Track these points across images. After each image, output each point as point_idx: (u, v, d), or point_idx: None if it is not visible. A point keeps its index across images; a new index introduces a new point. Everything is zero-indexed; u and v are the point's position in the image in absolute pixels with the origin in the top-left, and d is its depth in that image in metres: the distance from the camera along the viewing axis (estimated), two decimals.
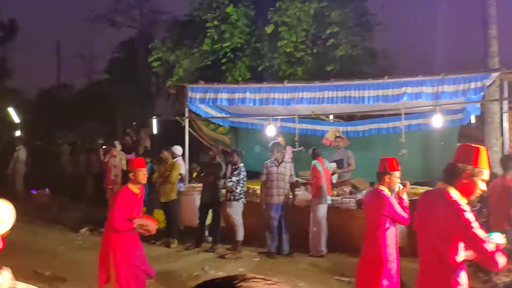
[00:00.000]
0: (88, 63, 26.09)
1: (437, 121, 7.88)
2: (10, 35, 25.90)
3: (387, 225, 3.84)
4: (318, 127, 10.21)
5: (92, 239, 8.52)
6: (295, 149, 8.80)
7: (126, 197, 4.59)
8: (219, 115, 10.18)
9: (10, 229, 5.13)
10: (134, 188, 4.70)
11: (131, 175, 4.71)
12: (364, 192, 7.69)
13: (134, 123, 20.15)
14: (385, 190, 3.91)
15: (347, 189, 8.10)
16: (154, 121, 15.10)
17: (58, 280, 5.74)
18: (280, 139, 8.48)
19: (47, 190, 11.88)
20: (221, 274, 6.21)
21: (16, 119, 16.72)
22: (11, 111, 16.80)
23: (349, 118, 10.63)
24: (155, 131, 14.71)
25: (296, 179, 7.76)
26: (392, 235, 3.87)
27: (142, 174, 4.69)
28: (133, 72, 21.00)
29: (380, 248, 3.80)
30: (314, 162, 7.36)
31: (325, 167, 7.42)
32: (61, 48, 28.50)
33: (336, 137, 9.01)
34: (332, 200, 7.41)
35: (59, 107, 22.99)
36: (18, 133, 15.95)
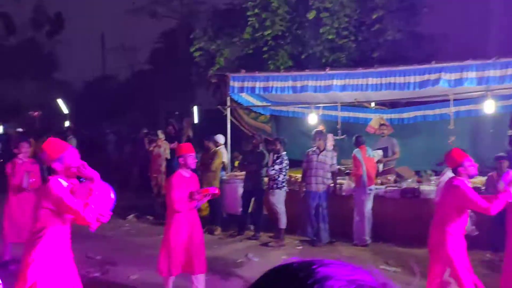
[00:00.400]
0: (130, 54, 26.70)
1: (489, 107, 7.53)
2: (57, 29, 26.92)
3: (458, 216, 3.84)
4: (361, 115, 10.02)
5: (139, 225, 8.82)
6: (337, 137, 8.68)
7: (178, 181, 4.65)
8: (260, 103, 10.18)
9: None
10: (185, 173, 4.77)
11: (180, 160, 4.78)
12: (409, 180, 7.52)
13: (176, 113, 20.54)
14: (463, 180, 3.89)
15: (392, 177, 7.92)
16: (196, 111, 15.37)
17: (108, 264, 5.97)
18: (320, 127, 8.39)
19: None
20: (264, 261, 6.27)
21: (65, 110, 17.46)
22: (60, 102, 17.55)
23: (392, 105, 10.36)
24: (196, 120, 14.97)
25: (338, 167, 7.67)
26: (461, 225, 3.88)
27: (191, 159, 4.76)
28: (174, 62, 21.33)
29: (447, 239, 3.81)
30: (355, 150, 7.25)
31: (368, 155, 7.27)
32: (105, 40, 29.30)
33: (381, 124, 8.81)
34: (376, 189, 7.28)
35: (104, 98, 23.78)
36: (67, 123, 16.67)
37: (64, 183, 3.29)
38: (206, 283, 4.87)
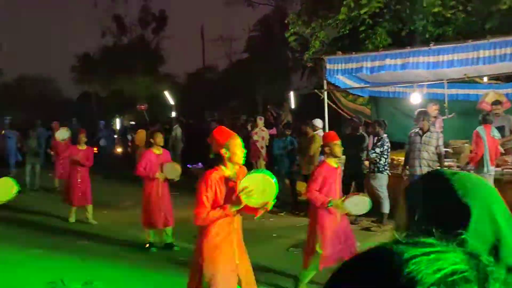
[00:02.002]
0: (229, 44, 27.57)
1: None
2: (161, 25, 28.80)
3: None
4: (472, 91, 9.20)
5: None
6: (445, 117, 8.09)
7: (323, 171, 4.44)
8: (358, 85, 9.88)
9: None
10: (332, 163, 4.52)
11: (326, 149, 4.58)
12: None
13: (273, 99, 20.82)
14: None
15: (510, 159, 7.19)
16: (292, 96, 15.40)
17: None
18: (434, 107, 7.89)
19: (200, 164, 13.09)
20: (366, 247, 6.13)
21: (171, 101, 18.63)
22: (167, 94, 18.77)
23: (507, 79, 9.33)
24: (293, 105, 15.00)
25: (445, 150, 7.16)
26: None
27: (338, 147, 4.50)
28: (270, 49, 21.56)
29: None
30: (478, 128, 6.63)
31: (492, 135, 6.64)
32: (205, 32, 30.59)
33: (494, 102, 7.99)
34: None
35: (206, 88, 24.95)
36: (173, 113, 17.79)
37: (227, 172, 3.39)
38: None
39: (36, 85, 37.93)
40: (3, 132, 13.18)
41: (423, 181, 0.99)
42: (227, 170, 3.38)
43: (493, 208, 0.84)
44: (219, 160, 3.39)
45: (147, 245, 6.09)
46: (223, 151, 3.32)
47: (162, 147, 6.15)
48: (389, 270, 0.46)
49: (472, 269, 0.45)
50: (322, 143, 4.80)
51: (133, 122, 21.53)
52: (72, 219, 7.79)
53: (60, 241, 6.62)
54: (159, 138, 6.07)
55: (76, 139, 8.13)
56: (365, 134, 7.84)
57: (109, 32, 28.31)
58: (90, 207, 7.81)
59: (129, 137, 19.17)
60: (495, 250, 0.81)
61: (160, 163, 5.97)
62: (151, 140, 6.10)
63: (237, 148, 3.34)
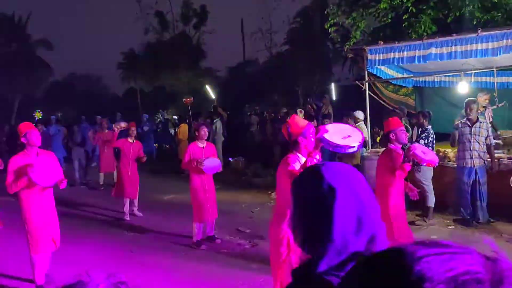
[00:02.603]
0: (269, 37, 27.53)
1: None
2: (202, 20, 29.15)
3: None
4: None
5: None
6: (495, 106, 7.75)
7: (392, 155, 4.55)
8: (401, 75, 9.62)
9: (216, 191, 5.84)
10: (399, 150, 4.63)
11: (391, 135, 4.64)
12: None
13: (314, 91, 20.64)
14: None
15: None
16: (333, 87, 15.21)
17: (257, 238, 6.38)
18: (484, 97, 7.57)
19: (241, 157, 13.22)
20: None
21: (212, 95, 18.89)
22: (208, 88, 19.04)
23: None
24: (334, 97, 14.82)
25: (495, 141, 6.87)
26: None
27: (403, 133, 4.60)
28: (310, 40, 21.35)
29: None
30: None
31: None
32: (244, 26, 30.67)
33: None
34: None
35: (246, 81, 25.08)
36: (216, 107, 18.03)
37: (303, 158, 3.49)
38: None
39: (85, 82, 39.49)
40: (39, 126, 13.33)
41: (299, 175, 1.13)
42: (302, 157, 3.49)
43: (356, 188, 1.01)
44: (295, 147, 3.53)
45: (195, 241, 6.07)
46: (300, 138, 3.47)
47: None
48: (401, 267, 0.48)
49: (487, 271, 0.46)
50: (386, 130, 4.77)
51: (176, 116, 21.97)
52: (126, 212, 7.77)
53: (109, 233, 6.92)
54: (203, 132, 6.12)
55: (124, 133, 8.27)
56: (408, 126, 7.64)
57: (152, 29, 28.98)
58: (136, 200, 7.97)
59: (172, 131, 19.64)
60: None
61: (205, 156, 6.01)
62: (196, 133, 6.18)
63: (311, 136, 3.48)
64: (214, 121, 14.12)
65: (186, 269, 5.19)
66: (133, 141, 7.90)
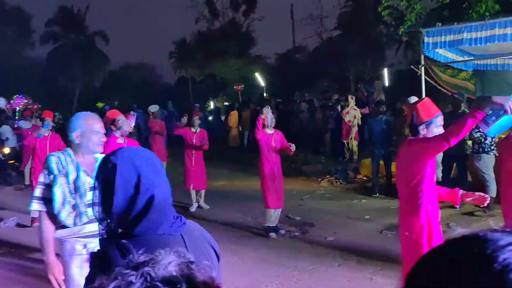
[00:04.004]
0: (319, 23, 27.01)
1: None
2: (251, 7, 29.10)
3: None
4: None
5: (332, 189, 9.10)
6: None
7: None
8: (461, 58, 9.11)
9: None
10: None
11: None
12: None
13: (365, 77, 20.11)
14: None
15: None
16: (386, 73, 14.72)
17: (306, 225, 6.35)
18: None
19: (292, 145, 13.14)
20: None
21: (261, 82, 18.90)
22: (258, 75, 19.06)
23: None
24: (387, 83, 14.35)
25: None
26: None
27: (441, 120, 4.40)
28: (362, 25, 20.74)
29: None
30: None
31: None
32: (294, 11, 30.27)
33: None
34: None
35: (296, 68, 24.84)
36: (264, 95, 18.06)
37: None
38: None
39: (139, 72, 40.79)
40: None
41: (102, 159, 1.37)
42: None
43: (136, 161, 1.28)
44: (414, 133, 3.22)
45: (268, 228, 5.96)
46: (422, 127, 3.14)
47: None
48: (483, 256, 0.44)
49: None
50: (418, 122, 4.48)
51: (227, 103, 22.25)
52: (193, 205, 7.61)
53: None
54: (271, 118, 5.99)
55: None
56: (467, 111, 7.25)
57: (203, 18, 29.30)
58: (203, 192, 7.71)
59: (222, 118, 19.90)
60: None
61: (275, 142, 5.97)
62: (264, 122, 5.97)
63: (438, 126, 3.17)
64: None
65: (237, 255, 5.25)
66: (196, 130, 7.57)
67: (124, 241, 1.18)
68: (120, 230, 1.27)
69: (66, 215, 2.53)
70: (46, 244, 2.59)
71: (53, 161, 2.58)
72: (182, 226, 1.32)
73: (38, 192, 2.59)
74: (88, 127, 2.64)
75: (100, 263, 1.21)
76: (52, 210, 2.54)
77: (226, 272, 4.73)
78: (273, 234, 5.91)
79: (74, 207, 2.54)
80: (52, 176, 2.56)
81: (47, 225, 2.58)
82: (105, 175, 1.28)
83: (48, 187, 2.56)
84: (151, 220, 1.24)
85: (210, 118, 20.30)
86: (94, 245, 2.44)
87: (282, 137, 6.11)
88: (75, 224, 2.55)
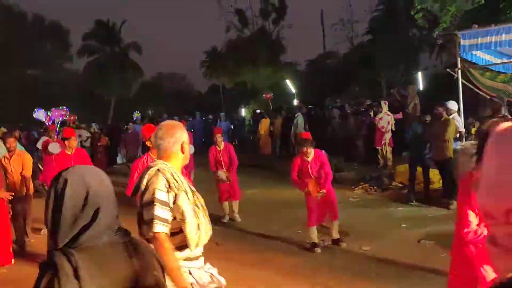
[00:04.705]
0: (349, 27, 26.79)
1: None
2: (281, 14, 29.17)
3: None
4: None
5: (366, 197, 8.90)
6: None
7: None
8: (500, 60, 8.79)
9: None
10: None
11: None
12: None
13: (398, 81, 19.71)
14: None
15: None
16: (420, 77, 14.37)
17: (341, 234, 6.22)
18: None
19: (323, 151, 13.00)
20: None
21: (292, 89, 18.85)
22: (288, 82, 19.03)
23: None
24: (421, 86, 14.00)
25: None
26: None
27: None
28: (394, 28, 20.40)
29: None
30: None
31: None
32: (324, 17, 30.13)
33: None
34: None
35: (326, 74, 24.66)
36: (295, 101, 17.99)
37: None
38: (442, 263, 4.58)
39: (171, 81, 41.55)
40: (127, 127, 13.94)
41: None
42: None
43: (86, 177, 1.41)
44: None
45: (311, 245, 5.77)
46: None
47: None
48: None
49: None
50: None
51: (258, 111, 22.30)
52: (225, 217, 7.48)
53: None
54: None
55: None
56: (509, 115, 6.96)
57: (233, 26, 29.62)
58: (236, 203, 7.49)
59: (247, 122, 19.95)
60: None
61: None
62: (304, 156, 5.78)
63: None
64: (296, 115, 14.06)
65: (273, 265, 5.20)
66: (221, 148, 7.36)
67: (70, 249, 1.31)
68: (67, 240, 1.35)
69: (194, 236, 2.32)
70: (180, 273, 2.26)
71: (168, 176, 2.32)
72: (126, 237, 1.43)
73: (158, 210, 2.26)
74: (186, 137, 2.51)
75: (47, 270, 1.31)
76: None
77: (262, 284, 4.68)
78: (318, 250, 5.69)
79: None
80: (173, 193, 2.29)
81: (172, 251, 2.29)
82: (56, 189, 1.40)
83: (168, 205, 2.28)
84: (96, 230, 1.36)
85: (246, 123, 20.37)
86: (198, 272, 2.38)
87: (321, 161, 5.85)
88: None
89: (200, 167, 9.72)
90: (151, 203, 2.25)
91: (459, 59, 8.15)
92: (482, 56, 8.59)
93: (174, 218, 2.28)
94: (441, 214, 6.95)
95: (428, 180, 7.95)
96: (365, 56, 21.78)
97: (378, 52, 20.51)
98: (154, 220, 2.23)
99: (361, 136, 12.40)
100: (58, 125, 11.93)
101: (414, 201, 7.82)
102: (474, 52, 8.16)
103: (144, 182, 2.32)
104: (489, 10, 10.67)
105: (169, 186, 2.28)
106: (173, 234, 2.28)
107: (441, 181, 7.76)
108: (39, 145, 9.62)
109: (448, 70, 8.61)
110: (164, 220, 2.24)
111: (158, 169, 2.31)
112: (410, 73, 18.99)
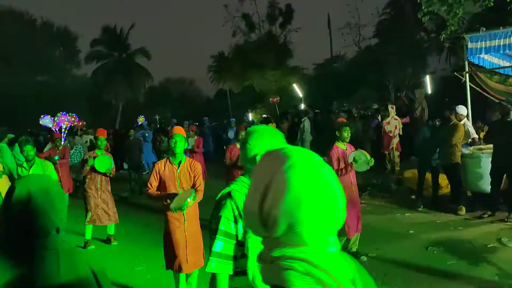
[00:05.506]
0: (356, 31, 26.71)
1: None
2: (288, 19, 29.19)
3: None
4: None
5: (374, 202, 8.81)
6: None
7: None
8: (509, 63, 8.70)
9: None
10: None
11: None
12: None
13: (406, 84, 19.59)
14: None
15: None
16: (428, 80, 14.25)
17: (347, 240, 6.14)
18: None
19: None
20: None
21: (299, 94, 18.79)
22: (295, 86, 18.98)
23: None
24: (429, 90, 13.87)
25: None
26: None
27: None
28: (401, 32, 20.30)
29: None
30: None
31: None
32: (331, 21, 30.08)
33: None
34: None
35: (333, 78, 24.58)
36: (302, 106, 17.93)
37: None
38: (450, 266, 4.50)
39: (179, 86, 41.72)
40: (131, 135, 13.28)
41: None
42: None
43: (51, 192, 1.53)
44: None
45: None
46: None
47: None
48: None
49: None
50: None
51: (265, 115, 22.28)
52: None
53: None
54: (346, 133, 5.60)
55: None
56: None
57: (240, 31, 29.68)
58: None
59: None
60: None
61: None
62: (337, 133, 5.65)
63: None
64: (302, 120, 14.01)
65: None
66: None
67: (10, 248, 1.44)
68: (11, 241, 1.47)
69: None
70: None
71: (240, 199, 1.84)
72: (61, 245, 1.51)
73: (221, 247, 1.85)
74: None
75: None
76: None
77: None
78: None
79: None
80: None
81: None
82: (6, 197, 1.51)
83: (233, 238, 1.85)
84: (34, 235, 1.47)
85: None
86: None
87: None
88: None
89: (211, 178, 9.66)
90: None
91: (466, 63, 8.09)
92: (490, 60, 8.52)
93: None
94: (449, 220, 6.85)
95: (437, 186, 7.85)
96: (373, 60, 21.69)
97: (386, 56, 20.41)
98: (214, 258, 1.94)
99: (369, 141, 12.31)
100: (66, 131, 12.00)
101: (421, 207, 7.73)
102: (482, 56, 8.09)
103: None
104: (497, 13, 10.57)
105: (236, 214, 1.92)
106: None
107: (449, 186, 7.66)
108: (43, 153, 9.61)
109: (456, 73, 8.54)
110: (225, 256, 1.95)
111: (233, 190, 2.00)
112: (418, 76, 18.87)
